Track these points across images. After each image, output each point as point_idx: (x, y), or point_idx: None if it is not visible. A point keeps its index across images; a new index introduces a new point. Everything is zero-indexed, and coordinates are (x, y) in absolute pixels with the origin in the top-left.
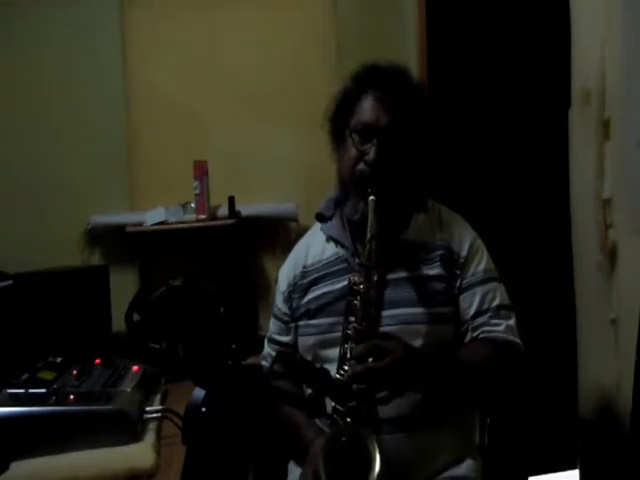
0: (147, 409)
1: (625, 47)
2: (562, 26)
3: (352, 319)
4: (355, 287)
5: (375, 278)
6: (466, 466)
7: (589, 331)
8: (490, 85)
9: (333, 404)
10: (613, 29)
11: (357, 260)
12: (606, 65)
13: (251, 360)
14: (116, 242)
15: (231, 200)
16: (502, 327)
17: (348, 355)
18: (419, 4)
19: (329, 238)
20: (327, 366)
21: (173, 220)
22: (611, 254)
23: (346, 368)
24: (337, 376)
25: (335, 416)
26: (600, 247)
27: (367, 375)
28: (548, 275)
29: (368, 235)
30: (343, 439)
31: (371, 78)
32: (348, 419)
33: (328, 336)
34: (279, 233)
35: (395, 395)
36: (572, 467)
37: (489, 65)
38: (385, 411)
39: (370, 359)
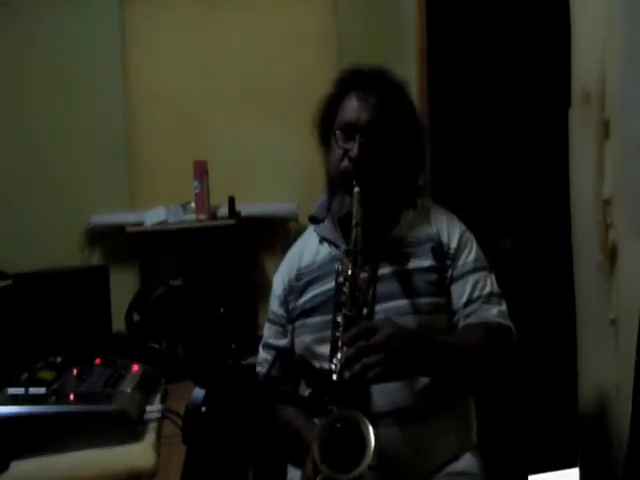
0: (147, 409)
1: (625, 48)
2: (562, 26)
3: (342, 308)
4: (343, 274)
5: (365, 272)
6: (465, 461)
7: (589, 331)
8: (490, 85)
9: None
10: (613, 30)
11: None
12: (606, 65)
13: (251, 360)
14: (116, 242)
15: (231, 200)
16: (494, 312)
17: (339, 344)
18: (419, 4)
19: (322, 239)
20: (324, 363)
21: (173, 220)
22: (611, 254)
23: (339, 356)
24: (331, 366)
25: (329, 406)
26: (600, 247)
27: (360, 355)
28: (548, 275)
29: (353, 221)
30: (337, 425)
31: (353, 80)
32: (340, 406)
33: (324, 333)
34: (279, 233)
35: (389, 373)
36: (572, 465)
37: (489, 65)
38: (381, 404)
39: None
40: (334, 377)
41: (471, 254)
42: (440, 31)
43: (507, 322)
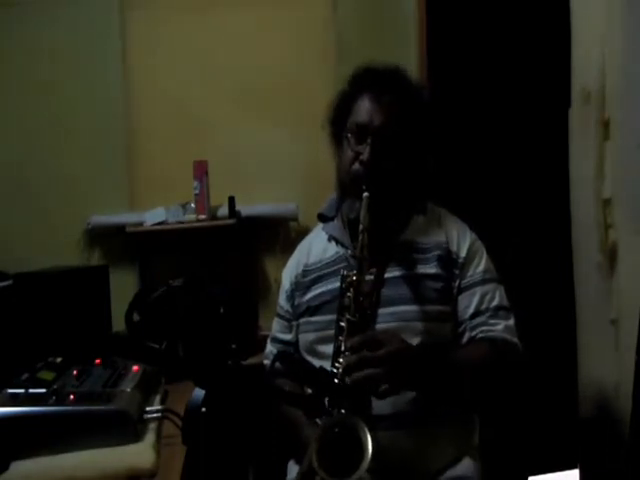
0: (147, 409)
1: (625, 47)
2: (562, 26)
3: (346, 313)
4: (348, 279)
5: (371, 275)
6: (464, 466)
7: (589, 331)
8: (490, 85)
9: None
10: (613, 29)
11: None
12: (606, 65)
13: (251, 360)
14: (116, 242)
15: (231, 200)
16: (500, 327)
17: (342, 348)
18: (419, 4)
19: (330, 238)
20: (326, 362)
21: (173, 220)
22: (611, 254)
23: (341, 361)
24: (333, 370)
25: (329, 408)
26: (600, 247)
27: (362, 365)
28: (548, 275)
29: (360, 227)
30: (336, 430)
31: (367, 79)
32: (342, 410)
33: (327, 332)
34: (279, 233)
35: (391, 390)
36: (572, 467)
37: (489, 65)
38: (381, 407)
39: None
40: (335, 380)
41: (480, 265)
42: (440, 31)
43: (513, 338)
